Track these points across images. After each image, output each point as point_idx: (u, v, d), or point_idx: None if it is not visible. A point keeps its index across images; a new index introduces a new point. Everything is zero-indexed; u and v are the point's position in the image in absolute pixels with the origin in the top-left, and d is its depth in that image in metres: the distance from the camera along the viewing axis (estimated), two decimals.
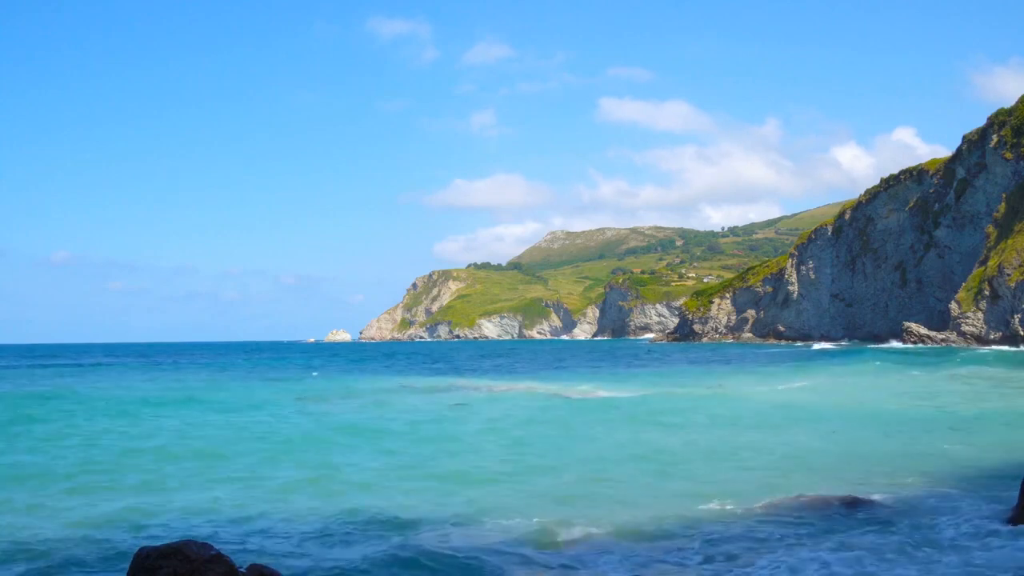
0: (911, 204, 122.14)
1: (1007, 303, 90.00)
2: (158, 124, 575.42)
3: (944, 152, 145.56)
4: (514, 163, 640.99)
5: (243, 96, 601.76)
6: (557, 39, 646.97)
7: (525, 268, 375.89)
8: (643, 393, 37.79)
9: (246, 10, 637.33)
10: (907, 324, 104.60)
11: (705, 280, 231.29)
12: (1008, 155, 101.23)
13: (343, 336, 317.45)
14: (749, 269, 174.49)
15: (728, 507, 14.26)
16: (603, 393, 38.73)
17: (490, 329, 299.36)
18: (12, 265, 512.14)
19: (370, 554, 11.72)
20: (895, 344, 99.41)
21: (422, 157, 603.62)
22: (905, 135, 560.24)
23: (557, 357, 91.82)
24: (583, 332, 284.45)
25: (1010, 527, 12.20)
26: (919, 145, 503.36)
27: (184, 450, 22.26)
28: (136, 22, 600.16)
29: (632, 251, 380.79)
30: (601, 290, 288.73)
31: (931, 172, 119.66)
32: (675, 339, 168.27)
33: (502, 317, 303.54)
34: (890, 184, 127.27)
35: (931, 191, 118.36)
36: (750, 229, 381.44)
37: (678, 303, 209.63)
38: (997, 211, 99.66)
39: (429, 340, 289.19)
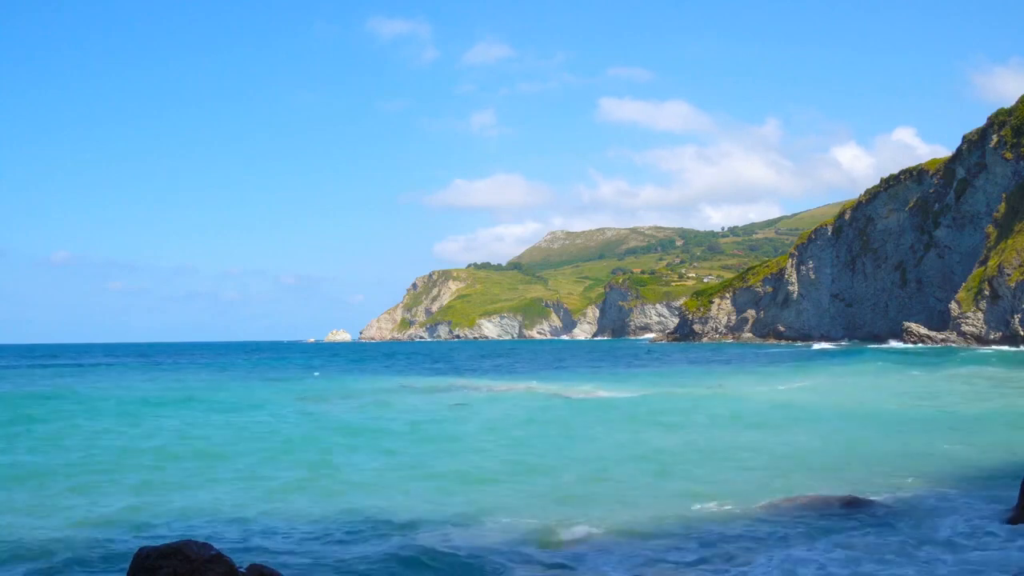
0: (911, 204, 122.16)
1: (1007, 303, 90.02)
2: (158, 124, 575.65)
3: (944, 152, 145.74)
4: (514, 163, 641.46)
5: (243, 96, 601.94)
6: (557, 39, 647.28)
7: (525, 268, 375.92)
8: (643, 393, 37.79)
9: (246, 10, 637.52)
10: (907, 324, 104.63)
11: (705, 280, 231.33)
12: (1008, 155, 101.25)
13: (343, 336, 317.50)
14: (749, 269, 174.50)
15: (728, 507, 14.28)
16: (603, 393, 38.73)
17: (490, 329, 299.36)
18: (12, 265, 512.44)
19: (370, 554, 11.73)
20: (895, 344, 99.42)
21: (422, 157, 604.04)
22: (905, 135, 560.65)
23: (557, 357, 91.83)
24: (583, 332, 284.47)
25: (1010, 527, 12.20)
26: (919, 145, 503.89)
27: (184, 450, 22.27)
28: (136, 22, 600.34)
29: (632, 251, 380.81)
30: (601, 290, 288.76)
31: (931, 172, 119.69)
32: (675, 339, 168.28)
33: (502, 317, 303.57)
34: (890, 184, 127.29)
35: (931, 191, 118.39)
36: (750, 229, 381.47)
37: (678, 303, 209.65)
38: (997, 211, 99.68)
39: (429, 340, 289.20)
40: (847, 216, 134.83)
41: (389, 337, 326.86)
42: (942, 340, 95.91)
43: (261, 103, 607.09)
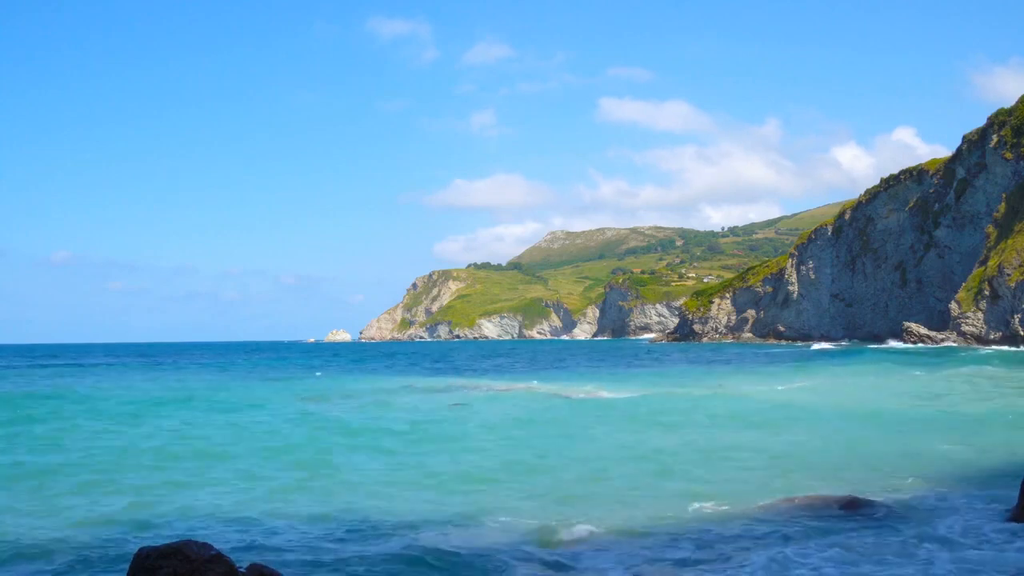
0: (911, 204, 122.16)
1: (1007, 303, 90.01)
2: (158, 124, 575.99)
3: (944, 152, 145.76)
4: (514, 163, 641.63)
5: (243, 96, 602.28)
6: (557, 39, 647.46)
7: (525, 268, 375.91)
8: (643, 393, 37.79)
9: (246, 10, 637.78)
10: (907, 324, 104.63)
11: (705, 280, 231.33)
12: (1008, 155, 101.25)
13: (343, 336, 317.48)
14: (749, 269, 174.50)
15: (727, 507, 14.28)
16: (603, 393, 38.73)
17: (490, 329, 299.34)
18: (12, 265, 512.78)
19: (370, 553, 11.74)
20: (895, 344, 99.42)
21: (422, 157, 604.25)
22: (905, 135, 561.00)
23: (557, 357, 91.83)
24: (583, 332, 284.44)
25: (1010, 528, 12.21)
26: (919, 145, 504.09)
27: (184, 450, 22.28)
28: (136, 22, 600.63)
29: (632, 251, 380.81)
30: (601, 290, 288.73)
31: (931, 172, 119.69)
32: (675, 339, 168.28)
33: (502, 317, 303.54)
34: (890, 184, 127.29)
35: (931, 191, 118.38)
36: (750, 229, 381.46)
37: (678, 303, 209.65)
38: (997, 211, 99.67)
39: (429, 340, 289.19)
40: (847, 216, 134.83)
41: (389, 337, 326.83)
42: (942, 340, 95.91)
43: (261, 103, 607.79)
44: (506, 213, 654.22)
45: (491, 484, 17.00)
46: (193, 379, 58.04)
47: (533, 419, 28.71)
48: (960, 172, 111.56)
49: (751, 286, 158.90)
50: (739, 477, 17.18)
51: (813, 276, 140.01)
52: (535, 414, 30.42)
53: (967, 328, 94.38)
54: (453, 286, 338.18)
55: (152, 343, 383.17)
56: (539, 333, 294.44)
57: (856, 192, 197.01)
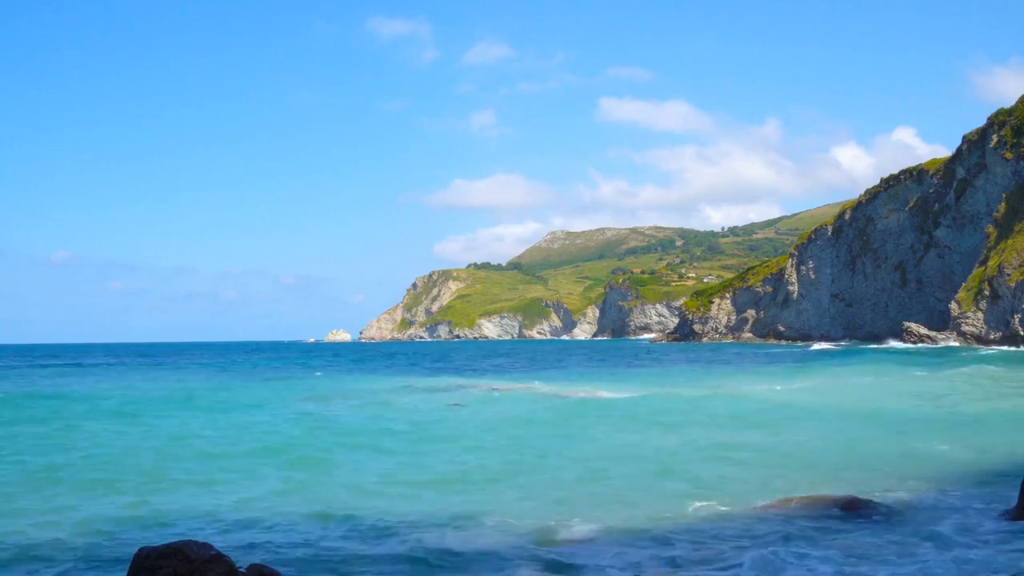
0: (911, 204, 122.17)
1: (1007, 303, 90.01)
2: (158, 124, 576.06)
3: (944, 152, 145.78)
4: (514, 163, 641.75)
5: (243, 96, 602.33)
6: (557, 39, 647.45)
7: (525, 268, 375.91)
8: (643, 393, 37.80)
9: (246, 10, 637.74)
10: (907, 324, 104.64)
11: (705, 280, 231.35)
12: (1008, 155, 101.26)
13: (343, 336, 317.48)
14: (749, 269, 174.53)
15: (727, 507, 14.29)
16: (603, 393, 38.73)
17: (490, 329, 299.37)
18: (12, 265, 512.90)
19: (370, 553, 11.74)
20: (895, 344, 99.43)
21: (422, 157, 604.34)
22: (905, 135, 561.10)
23: (557, 357, 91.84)
24: (583, 332, 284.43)
25: (1010, 527, 12.21)
26: (919, 145, 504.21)
27: (184, 450, 22.28)
28: (136, 22, 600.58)
29: (632, 251, 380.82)
30: (601, 290, 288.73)
31: (931, 172, 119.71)
32: (675, 339, 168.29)
33: (502, 317, 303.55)
34: (890, 184, 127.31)
35: (931, 191, 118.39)
36: (750, 229, 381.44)
37: (678, 303, 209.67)
38: (997, 211, 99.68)
39: (429, 340, 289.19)
40: (847, 216, 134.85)
41: (389, 337, 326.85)
42: (942, 340, 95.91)
43: (261, 103, 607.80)
44: (506, 213, 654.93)
45: (491, 484, 17.01)
46: (193, 379, 58.05)
47: (533, 419, 28.72)
48: (960, 172, 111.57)
49: (751, 286, 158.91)
50: (739, 477, 17.19)
51: (813, 276, 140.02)
52: (535, 414, 30.42)
53: (967, 328, 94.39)
54: (453, 286, 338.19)
55: (152, 343, 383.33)
56: (539, 333, 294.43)
57: (856, 192, 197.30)
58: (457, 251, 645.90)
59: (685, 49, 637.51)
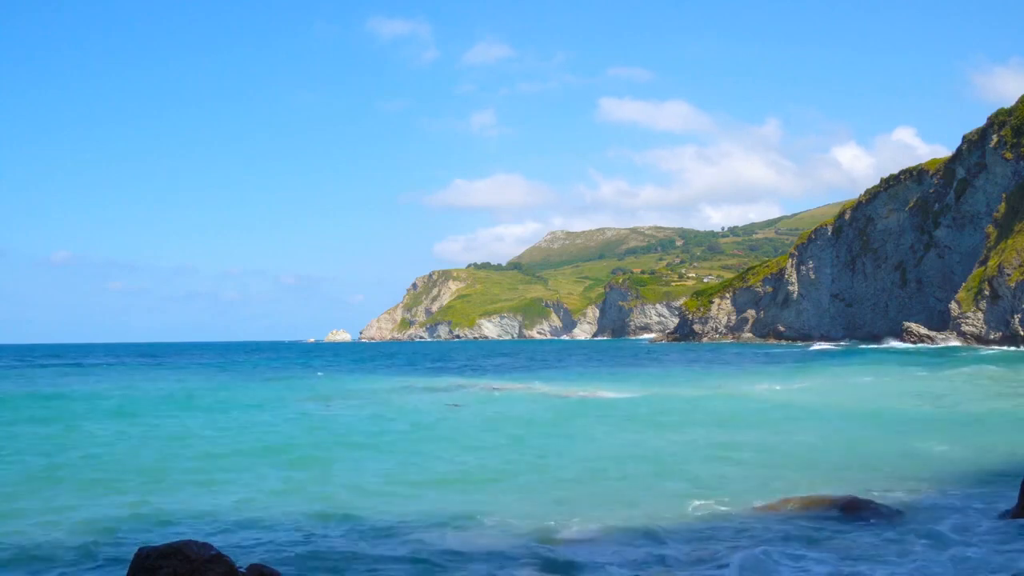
0: (911, 204, 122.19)
1: (1007, 303, 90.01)
2: (158, 124, 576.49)
3: (944, 152, 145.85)
4: (514, 163, 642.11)
5: (243, 96, 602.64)
6: (557, 39, 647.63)
7: (525, 268, 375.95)
8: (643, 393, 37.81)
9: (246, 10, 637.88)
10: (907, 324, 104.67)
11: (705, 280, 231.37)
12: (1008, 155, 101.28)
13: (343, 336, 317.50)
14: (749, 269, 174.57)
15: (727, 507, 14.29)
16: (603, 393, 38.74)
17: (490, 329, 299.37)
18: (12, 265, 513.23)
19: (370, 553, 11.74)
20: (895, 344, 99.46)
21: (422, 157, 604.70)
22: (905, 135, 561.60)
23: (557, 357, 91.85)
24: (583, 332, 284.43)
25: (1010, 527, 12.21)
26: (919, 145, 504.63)
27: (185, 450, 22.28)
28: (136, 22, 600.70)
29: (632, 251, 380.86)
30: (601, 290, 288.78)
31: (931, 172, 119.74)
32: (675, 339, 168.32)
33: (502, 317, 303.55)
34: (890, 184, 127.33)
35: (931, 191, 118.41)
36: (750, 229, 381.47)
37: (678, 303, 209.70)
38: (997, 211, 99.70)
39: (429, 340, 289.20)
40: (847, 216, 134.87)
41: (389, 337, 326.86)
42: (942, 340, 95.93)
43: (261, 103, 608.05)
44: (506, 213, 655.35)
45: (491, 483, 17.02)
46: (193, 379, 58.05)
47: (533, 419, 28.72)
48: (960, 172, 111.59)
49: (751, 286, 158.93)
50: (739, 477, 17.19)
51: (813, 276, 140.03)
52: (535, 414, 30.43)
53: (967, 328, 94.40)
54: (453, 286, 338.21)
55: (152, 343, 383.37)
56: (539, 333, 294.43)
57: (856, 192, 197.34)
58: (457, 251, 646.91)
59: (685, 49, 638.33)
